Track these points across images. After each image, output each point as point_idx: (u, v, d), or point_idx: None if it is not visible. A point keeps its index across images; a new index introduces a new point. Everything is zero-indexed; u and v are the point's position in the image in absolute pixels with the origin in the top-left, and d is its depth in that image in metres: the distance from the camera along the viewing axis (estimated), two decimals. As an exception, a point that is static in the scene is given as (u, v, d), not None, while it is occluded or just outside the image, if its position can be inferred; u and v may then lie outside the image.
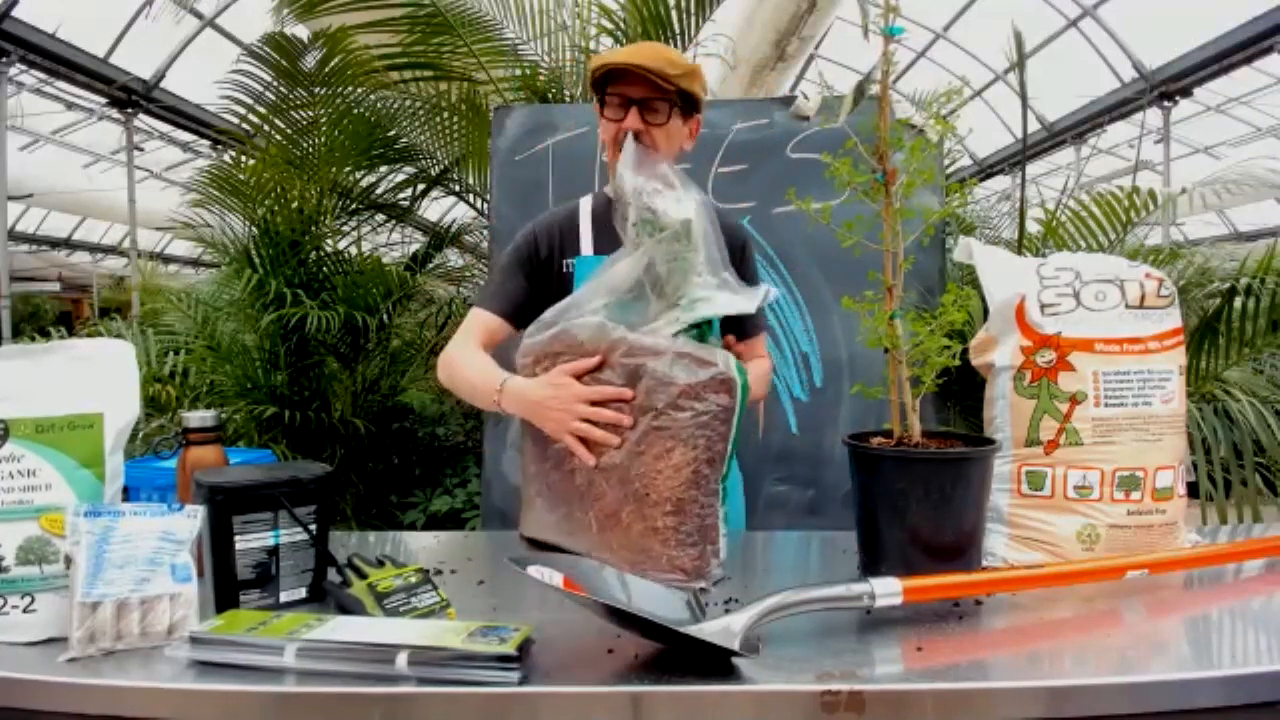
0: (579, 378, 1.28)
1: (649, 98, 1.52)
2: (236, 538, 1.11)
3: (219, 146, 7.23)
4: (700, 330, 1.26)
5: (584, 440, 1.26)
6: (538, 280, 1.62)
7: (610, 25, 3.36)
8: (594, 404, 1.25)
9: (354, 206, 3.81)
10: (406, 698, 0.89)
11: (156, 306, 4.69)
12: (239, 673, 0.92)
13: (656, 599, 1.05)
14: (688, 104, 1.56)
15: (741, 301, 1.25)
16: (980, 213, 4.88)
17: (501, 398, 1.38)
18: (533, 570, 0.98)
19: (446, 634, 0.94)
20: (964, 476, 1.19)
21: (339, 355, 3.57)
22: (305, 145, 3.43)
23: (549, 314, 1.35)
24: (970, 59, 8.34)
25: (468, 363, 1.51)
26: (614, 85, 1.52)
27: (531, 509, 1.38)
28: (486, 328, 1.57)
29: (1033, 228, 3.17)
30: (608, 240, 1.57)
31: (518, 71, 3.51)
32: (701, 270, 1.26)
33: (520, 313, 1.56)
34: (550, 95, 3.47)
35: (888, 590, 1.03)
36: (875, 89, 1.27)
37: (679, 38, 3.36)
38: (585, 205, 1.67)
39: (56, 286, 14.13)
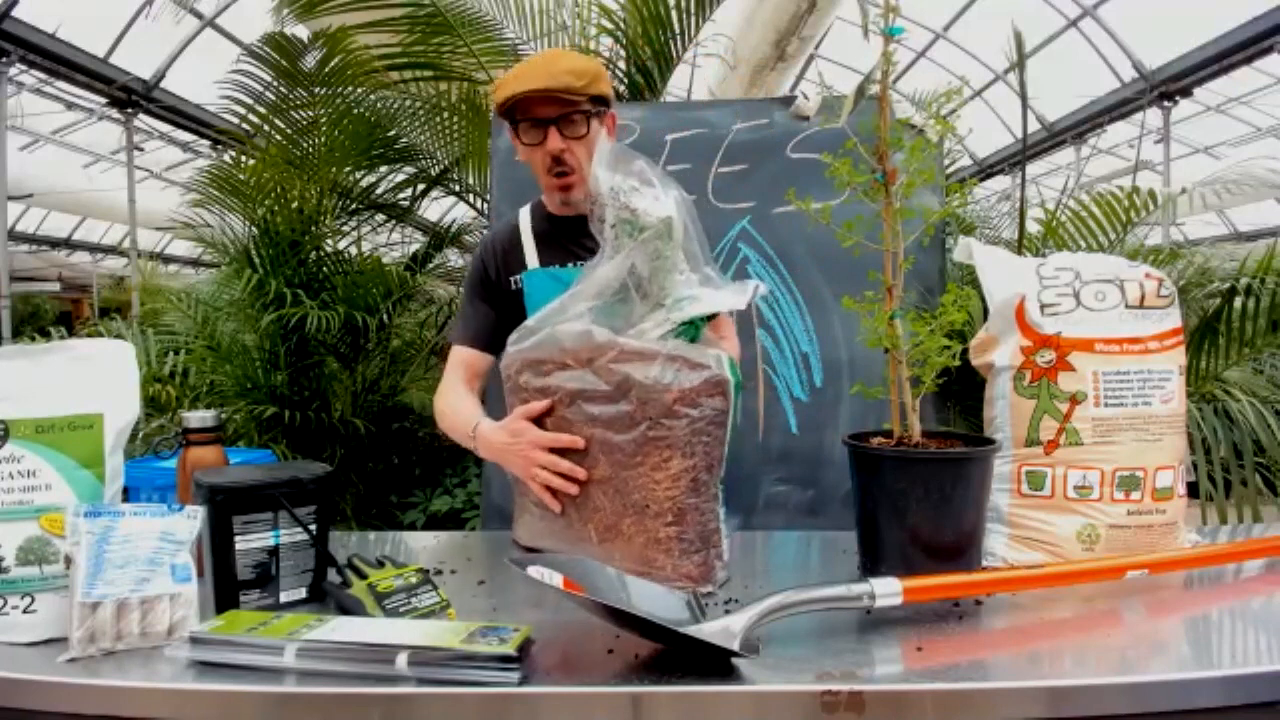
0: (540, 420, 1.28)
1: (562, 114, 1.47)
2: (236, 538, 1.11)
3: (219, 146, 7.23)
4: (689, 327, 1.24)
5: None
6: (496, 303, 1.60)
7: (610, 25, 3.36)
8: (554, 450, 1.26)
9: (354, 206, 3.81)
10: (406, 698, 0.89)
11: (156, 306, 4.68)
12: (239, 673, 0.92)
13: (656, 599, 1.05)
14: (600, 105, 1.51)
15: (730, 298, 1.23)
16: (980, 213, 4.88)
17: (475, 444, 1.40)
18: (533, 570, 0.98)
19: (446, 634, 0.94)
20: (964, 476, 1.19)
21: (339, 355, 3.57)
22: (305, 145, 3.42)
23: (532, 321, 1.32)
24: (970, 59, 8.34)
25: (448, 407, 1.52)
26: (523, 110, 1.48)
27: (530, 517, 1.37)
28: (465, 363, 1.57)
29: (1033, 228, 3.17)
30: (551, 251, 1.57)
31: (518, 71, 3.50)
32: (684, 268, 1.25)
33: (492, 339, 1.56)
34: (550, 95, 3.46)
35: (888, 590, 1.03)
36: (875, 89, 1.27)
37: (679, 38, 3.36)
38: (524, 218, 1.63)
39: (56, 286, 14.13)
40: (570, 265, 1.55)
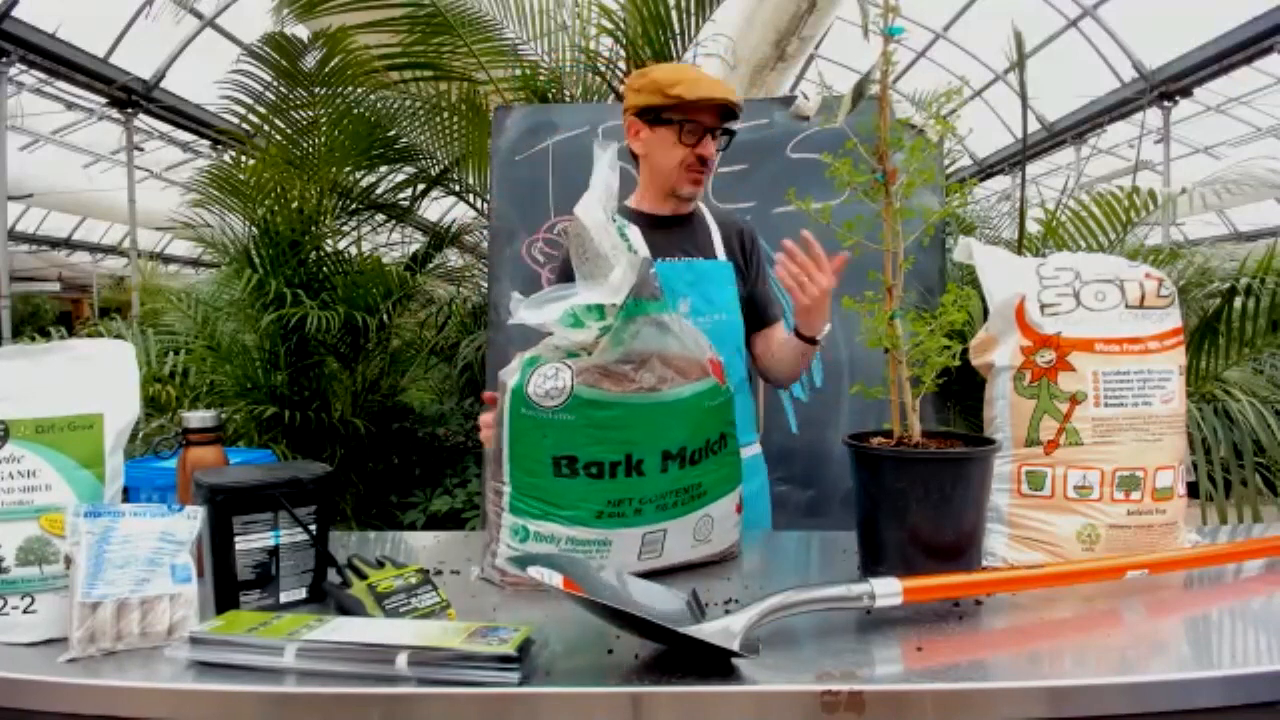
0: None
1: (719, 127, 1.66)
2: (236, 538, 1.11)
3: (219, 146, 7.24)
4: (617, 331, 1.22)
5: None
6: None
7: (610, 25, 3.36)
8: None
9: (354, 206, 3.81)
10: (406, 698, 0.89)
11: (156, 306, 4.69)
12: (239, 673, 0.92)
13: (656, 599, 1.05)
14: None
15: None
16: (980, 213, 4.87)
17: None
18: (533, 570, 0.98)
19: (446, 634, 0.94)
20: (964, 476, 1.19)
21: (339, 355, 3.57)
22: (305, 145, 3.43)
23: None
24: (970, 59, 8.34)
25: None
26: (695, 111, 1.61)
27: None
28: None
29: (1033, 228, 3.17)
30: (654, 247, 1.58)
31: (518, 71, 3.51)
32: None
33: None
34: (550, 95, 3.47)
35: (888, 590, 1.03)
36: (875, 89, 1.27)
37: (679, 38, 3.36)
38: None
39: (56, 286, 14.13)
40: (665, 259, 1.65)
